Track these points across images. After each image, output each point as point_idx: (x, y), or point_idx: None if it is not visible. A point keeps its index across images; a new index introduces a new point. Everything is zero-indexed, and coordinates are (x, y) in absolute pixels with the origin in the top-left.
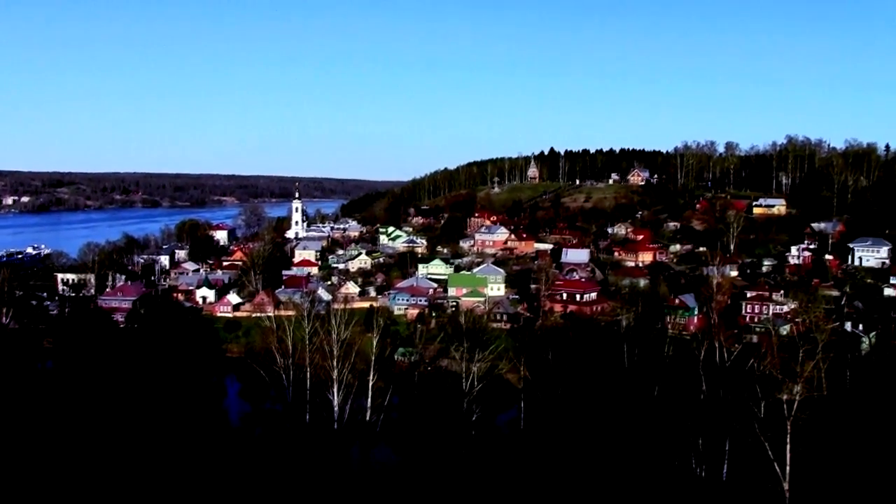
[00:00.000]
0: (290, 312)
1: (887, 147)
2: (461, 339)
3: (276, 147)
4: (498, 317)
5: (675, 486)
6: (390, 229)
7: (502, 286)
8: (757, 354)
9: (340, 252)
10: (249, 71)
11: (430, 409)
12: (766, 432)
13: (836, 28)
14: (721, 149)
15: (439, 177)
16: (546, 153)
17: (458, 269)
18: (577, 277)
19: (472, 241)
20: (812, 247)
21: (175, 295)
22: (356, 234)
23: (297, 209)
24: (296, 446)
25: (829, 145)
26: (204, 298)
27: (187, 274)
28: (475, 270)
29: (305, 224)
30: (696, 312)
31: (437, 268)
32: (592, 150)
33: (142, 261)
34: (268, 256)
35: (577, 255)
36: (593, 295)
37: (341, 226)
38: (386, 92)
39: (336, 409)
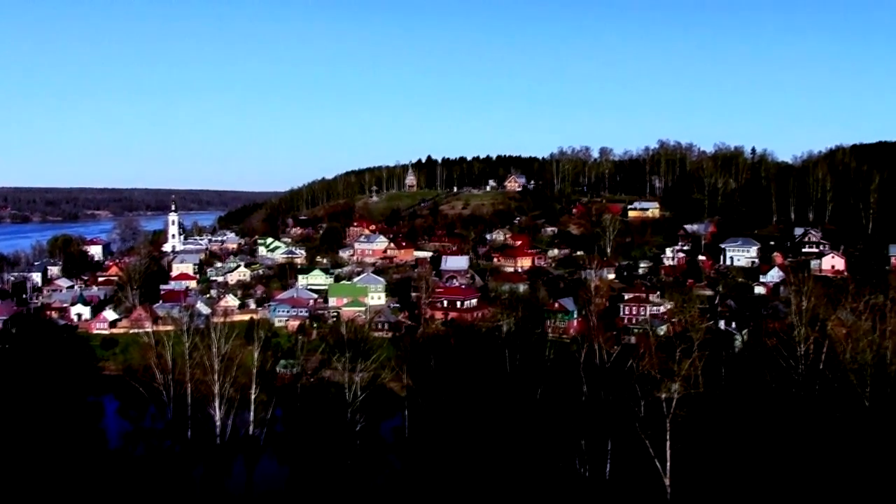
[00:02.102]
0: (169, 327)
1: (753, 150)
2: (343, 350)
3: (150, 159)
4: (379, 326)
5: (559, 486)
6: (269, 240)
7: (383, 295)
8: (635, 355)
9: (219, 265)
10: (120, 77)
11: (314, 420)
12: (647, 430)
13: (703, 32)
14: (596, 154)
15: (317, 187)
16: (423, 161)
17: (338, 278)
18: (457, 284)
19: (351, 251)
20: (686, 248)
21: (48, 313)
22: (234, 246)
23: (173, 222)
24: (177, 463)
25: (699, 149)
26: (79, 316)
27: (61, 291)
28: (355, 280)
29: (183, 237)
30: (575, 316)
31: (317, 278)
32: (469, 158)
33: (12, 278)
34: (145, 271)
35: (456, 262)
36: (474, 301)
37: (219, 238)
38: (262, 101)
39: (218, 423)
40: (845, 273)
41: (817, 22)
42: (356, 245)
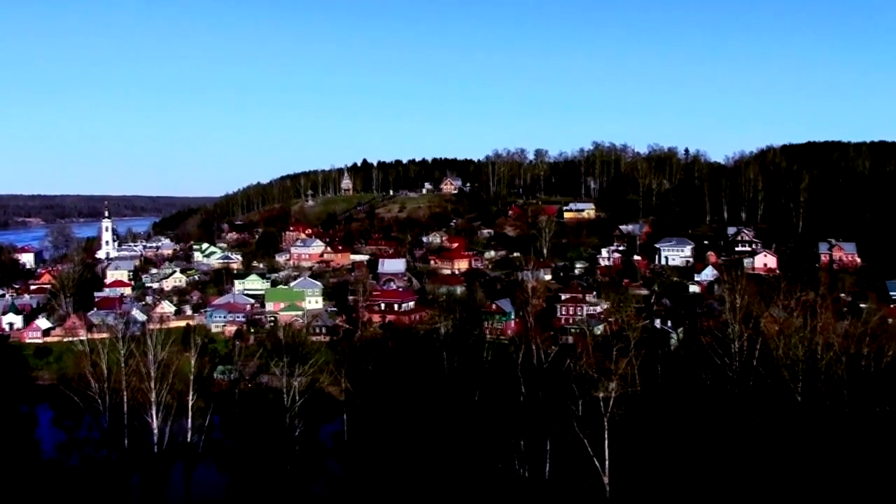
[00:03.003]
0: (104, 335)
1: (687, 151)
2: (280, 354)
3: (82, 164)
4: (317, 330)
5: (499, 487)
6: (204, 246)
7: (320, 299)
8: (573, 355)
9: (154, 271)
10: (47, 79)
11: (253, 425)
12: (585, 429)
13: (635, 34)
14: (531, 156)
15: (252, 191)
16: (359, 165)
17: (274, 283)
18: (394, 287)
19: (288, 255)
20: (621, 248)
21: None
22: (170, 252)
23: (107, 228)
24: (114, 473)
25: (633, 150)
26: (11, 325)
27: None
28: (292, 284)
29: (117, 244)
30: (512, 317)
31: (254, 283)
32: (405, 161)
33: None
34: (78, 278)
35: (393, 266)
36: (411, 304)
37: (154, 244)
38: (193, 105)
39: (156, 431)
40: (777, 271)
41: (746, 23)
42: (292, 249)
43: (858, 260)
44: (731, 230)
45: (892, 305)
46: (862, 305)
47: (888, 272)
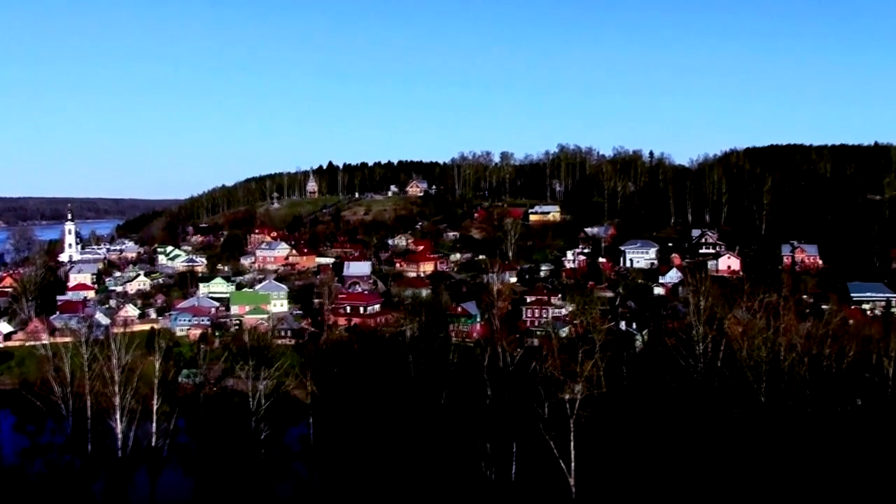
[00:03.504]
0: (67, 339)
1: (651, 154)
2: (246, 358)
3: (44, 166)
4: (282, 333)
5: (466, 489)
6: (169, 249)
7: (285, 302)
8: (538, 357)
9: (118, 274)
10: (7, 79)
11: (218, 429)
12: (551, 431)
13: (600, 37)
14: (497, 159)
15: (217, 194)
16: (325, 167)
17: (239, 286)
18: (359, 290)
19: (253, 258)
20: (586, 251)
21: None
22: (134, 255)
23: (70, 231)
24: (78, 478)
25: (598, 153)
26: None
27: None
28: (257, 287)
29: (80, 246)
30: (478, 319)
31: (219, 286)
32: (371, 163)
33: None
34: (41, 282)
35: (359, 268)
36: (376, 307)
37: (118, 247)
38: (158, 105)
39: (120, 436)
40: (741, 273)
41: (709, 27)
42: (258, 252)
43: (820, 262)
44: (696, 232)
45: (852, 307)
46: (823, 307)
47: (849, 274)
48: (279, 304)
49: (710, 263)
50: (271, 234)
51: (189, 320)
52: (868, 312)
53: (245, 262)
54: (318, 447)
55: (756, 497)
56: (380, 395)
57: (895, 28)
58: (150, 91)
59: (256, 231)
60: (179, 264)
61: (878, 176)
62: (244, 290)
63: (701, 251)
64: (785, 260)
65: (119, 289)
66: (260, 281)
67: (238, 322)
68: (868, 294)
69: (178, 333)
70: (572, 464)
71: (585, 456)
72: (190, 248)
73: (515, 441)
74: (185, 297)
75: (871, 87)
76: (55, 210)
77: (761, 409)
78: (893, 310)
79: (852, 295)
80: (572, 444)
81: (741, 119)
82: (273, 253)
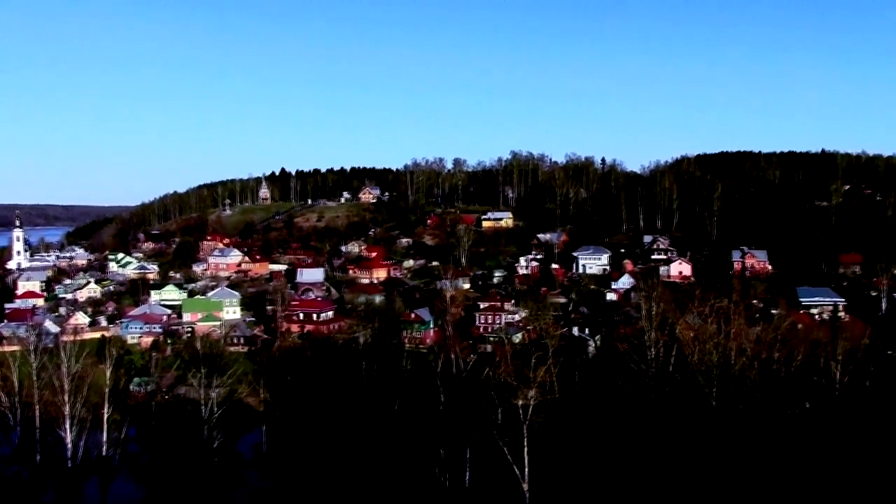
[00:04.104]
0: (15, 347)
1: (603, 160)
2: (198, 365)
3: None
4: (235, 340)
5: (420, 495)
6: (120, 256)
7: (238, 309)
8: (492, 363)
9: (68, 282)
10: None
11: (170, 438)
12: (505, 437)
13: (552, 43)
14: (450, 165)
15: (169, 201)
16: (277, 174)
17: (192, 293)
18: (312, 297)
19: (205, 265)
20: (539, 257)
21: None
22: (84, 262)
23: (18, 238)
24: (26, 490)
25: (551, 160)
26: None
27: None
28: (210, 294)
29: (28, 254)
30: (431, 325)
31: (171, 293)
32: (324, 170)
33: None
34: None
35: (311, 275)
36: (330, 314)
37: (68, 254)
38: (108, 110)
39: (69, 446)
40: (692, 278)
41: (660, 36)
42: (210, 259)
43: (770, 267)
44: (647, 238)
45: (801, 311)
46: (773, 311)
47: (798, 279)
48: (232, 312)
49: (662, 269)
50: (224, 241)
51: (141, 328)
52: (816, 317)
53: (197, 269)
54: (271, 455)
55: (709, 498)
56: (333, 401)
57: (841, 38)
58: (101, 95)
59: (209, 238)
60: (131, 271)
61: (825, 183)
62: (196, 297)
63: (653, 257)
64: (735, 265)
65: (69, 296)
66: (212, 288)
67: (190, 329)
68: (816, 299)
69: (130, 341)
70: (526, 469)
71: (539, 461)
72: (141, 255)
73: (469, 447)
74: (136, 304)
75: (819, 95)
76: (2, 217)
77: (712, 412)
78: (840, 314)
79: (801, 300)
80: (526, 449)
81: (692, 126)
82: (225, 260)
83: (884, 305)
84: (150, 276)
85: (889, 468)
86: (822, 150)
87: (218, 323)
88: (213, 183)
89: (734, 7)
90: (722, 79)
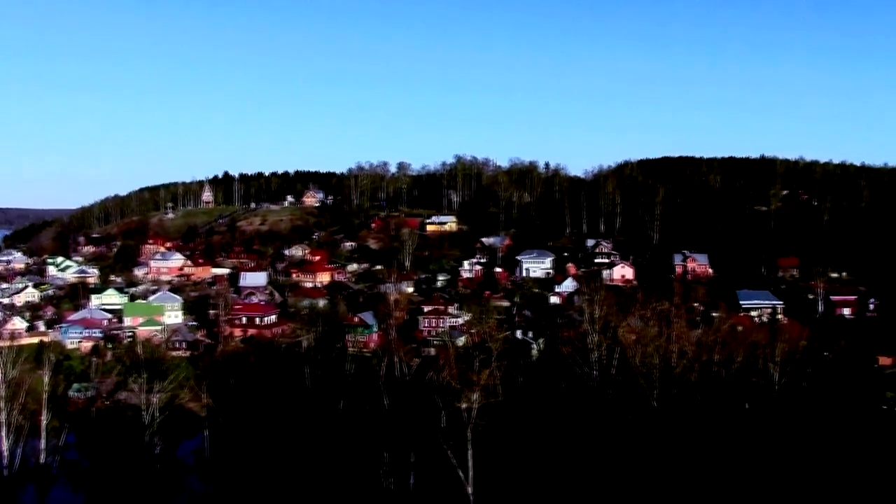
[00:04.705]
0: None
1: (547, 165)
2: (139, 371)
3: None
4: (177, 345)
5: (364, 500)
6: (59, 260)
7: (180, 313)
8: (435, 366)
9: (5, 286)
10: None
11: (111, 444)
12: (449, 440)
13: (493, 47)
14: (394, 169)
15: (110, 204)
16: (221, 177)
17: (133, 298)
18: (256, 301)
19: (147, 269)
20: (483, 261)
21: None
22: (22, 265)
23: None
24: None
25: (495, 164)
26: None
27: None
28: (151, 299)
29: None
30: (375, 329)
31: (112, 298)
32: (267, 173)
33: None
34: None
35: (255, 279)
36: (273, 318)
37: (5, 258)
38: (49, 110)
39: (5, 453)
40: (634, 282)
41: (603, 40)
42: (152, 263)
43: (710, 270)
44: (590, 242)
45: (741, 314)
46: (713, 314)
47: (737, 282)
48: (174, 316)
49: (605, 272)
50: (166, 245)
51: (80, 333)
52: (756, 319)
53: (139, 272)
54: (213, 460)
55: (651, 498)
56: (276, 406)
57: (779, 45)
58: (39, 93)
59: (150, 241)
60: (70, 275)
61: (764, 188)
62: (138, 301)
63: (596, 261)
64: (677, 269)
65: (6, 301)
66: (154, 292)
67: (131, 334)
68: (755, 301)
69: (69, 346)
70: (470, 472)
71: (483, 464)
72: (81, 259)
73: (413, 450)
74: (76, 309)
75: (759, 102)
76: None
77: (654, 414)
78: (779, 316)
79: (741, 302)
80: (470, 452)
81: (635, 132)
82: (167, 263)
83: (820, 308)
84: (91, 280)
85: (824, 466)
86: (762, 156)
87: (160, 327)
88: (155, 186)
89: (675, 12)
90: (664, 84)
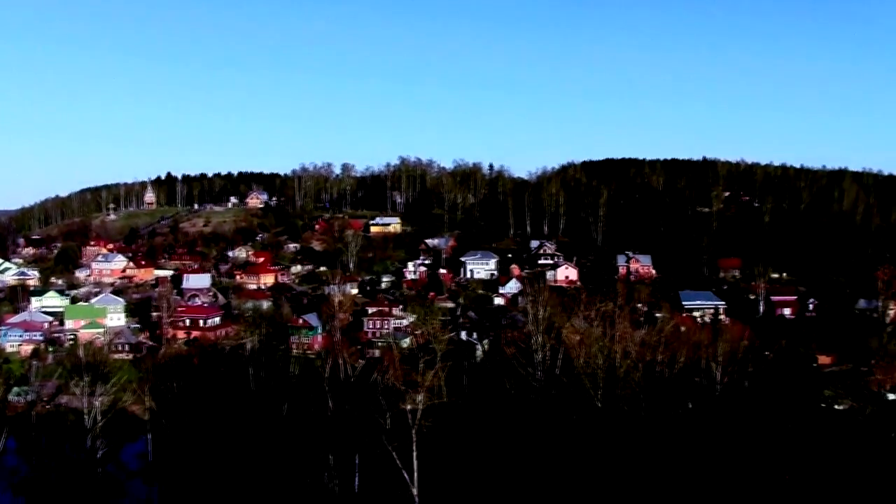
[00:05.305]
0: None
1: (491, 166)
2: (81, 374)
3: None
4: (119, 347)
5: (308, 501)
6: None
7: (122, 315)
8: (380, 368)
9: None
10: None
11: (52, 448)
12: (393, 442)
13: (436, 50)
14: (338, 170)
15: (50, 205)
16: (163, 178)
17: (74, 300)
18: (199, 303)
19: (88, 271)
20: (427, 262)
21: None
22: None
23: None
24: None
25: (439, 165)
26: None
27: None
28: (93, 301)
29: None
30: (319, 331)
31: (53, 300)
32: (211, 174)
33: None
34: None
35: (198, 281)
36: (216, 320)
37: None
38: None
39: None
40: (578, 283)
41: (545, 42)
42: (93, 265)
43: (653, 271)
44: (534, 244)
45: (684, 314)
46: (657, 315)
47: (680, 283)
48: (116, 318)
49: (549, 274)
50: (108, 247)
51: (20, 336)
52: (698, 319)
53: (80, 275)
54: (156, 464)
55: (595, 498)
56: (220, 408)
57: (719, 49)
58: None
59: (92, 243)
60: (10, 278)
61: (706, 189)
62: (79, 303)
63: (540, 262)
64: (620, 270)
65: None
66: (96, 294)
67: (73, 337)
68: (698, 302)
69: (9, 349)
70: (415, 473)
71: (428, 465)
72: (21, 261)
73: (358, 452)
74: (16, 311)
75: (701, 104)
76: None
77: (598, 414)
78: (721, 317)
79: (684, 303)
80: (415, 453)
81: (578, 133)
82: (109, 265)
83: (761, 308)
84: (31, 282)
85: (767, 465)
86: (704, 158)
87: (102, 330)
88: (96, 187)
89: (620, 14)
90: (606, 86)
